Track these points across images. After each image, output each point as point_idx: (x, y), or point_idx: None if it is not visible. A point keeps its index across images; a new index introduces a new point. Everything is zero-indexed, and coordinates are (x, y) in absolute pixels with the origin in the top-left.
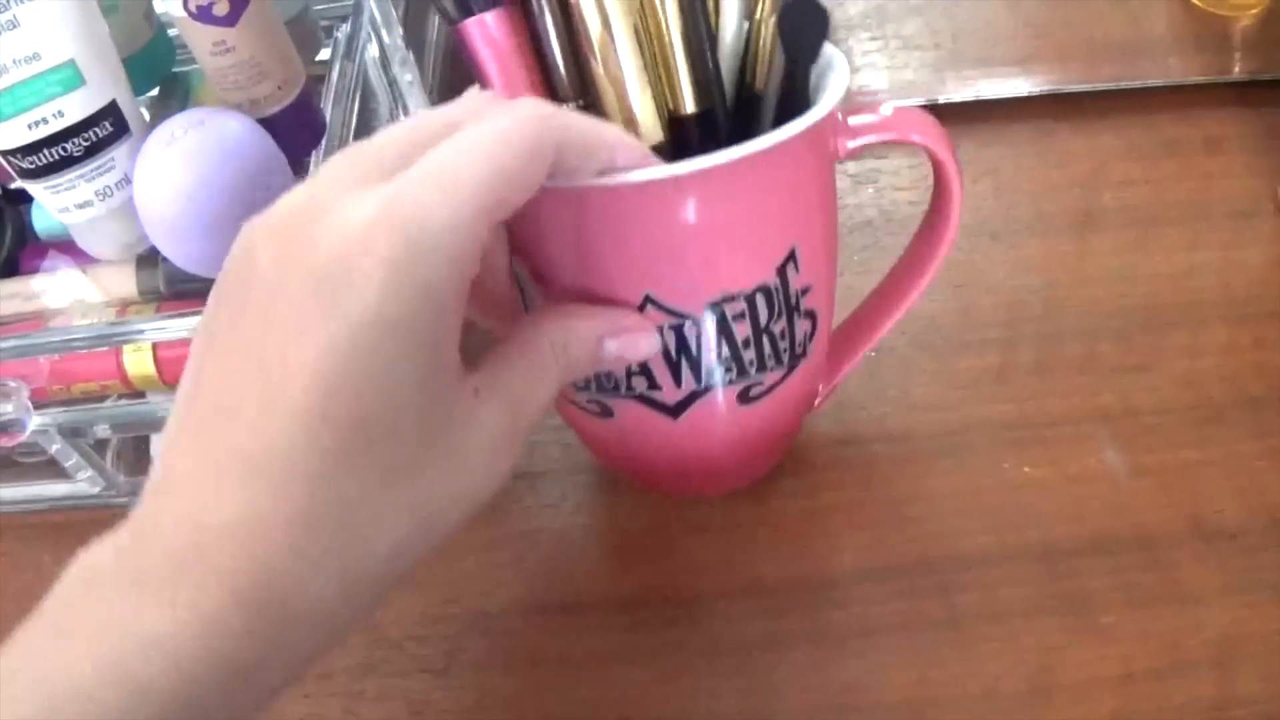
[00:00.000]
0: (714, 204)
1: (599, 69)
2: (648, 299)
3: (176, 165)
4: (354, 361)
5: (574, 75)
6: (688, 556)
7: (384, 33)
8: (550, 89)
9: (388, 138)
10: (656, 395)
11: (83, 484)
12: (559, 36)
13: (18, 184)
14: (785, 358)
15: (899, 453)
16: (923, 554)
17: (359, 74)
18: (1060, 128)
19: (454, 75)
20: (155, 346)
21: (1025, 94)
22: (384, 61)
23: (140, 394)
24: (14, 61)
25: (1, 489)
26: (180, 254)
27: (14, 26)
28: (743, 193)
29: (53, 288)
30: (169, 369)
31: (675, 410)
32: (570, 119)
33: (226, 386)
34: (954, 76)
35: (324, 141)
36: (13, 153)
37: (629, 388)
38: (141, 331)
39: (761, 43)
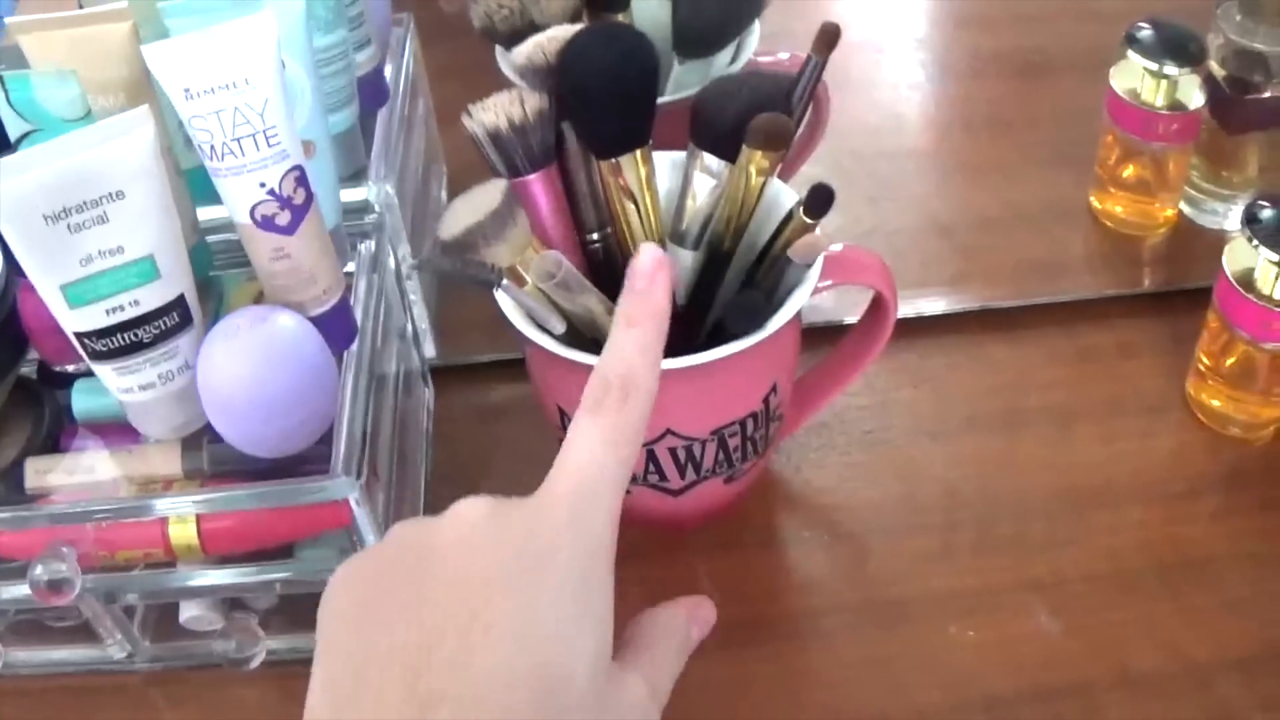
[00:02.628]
0: (717, 372)
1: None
2: (668, 431)
3: (240, 356)
4: (549, 619)
5: (593, 217)
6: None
7: (397, 250)
8: (579, 223)
9: None
10: (664, 485)
11: (111, 649)
12: (587, 191)
13: (66, 368)
14: (760, 449)
15: (856, 622)
16: (882, 709)
17: (382, 284)
18: (989, 339)
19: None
20: (199, 519)
21: (959, 310)
22: (397, 274)
23: (170, 564)
24: (99, 253)
25: (28, 653)
26: (237, 435)
27: (103, 222)
28: (739, 363)
29: (99, 464)
30: (211, 540)
31: (678, 493)
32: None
33: (405, 643)
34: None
35: (357, 341)
36: (89, 335)
37: (644, 480)
38: (188, 504)
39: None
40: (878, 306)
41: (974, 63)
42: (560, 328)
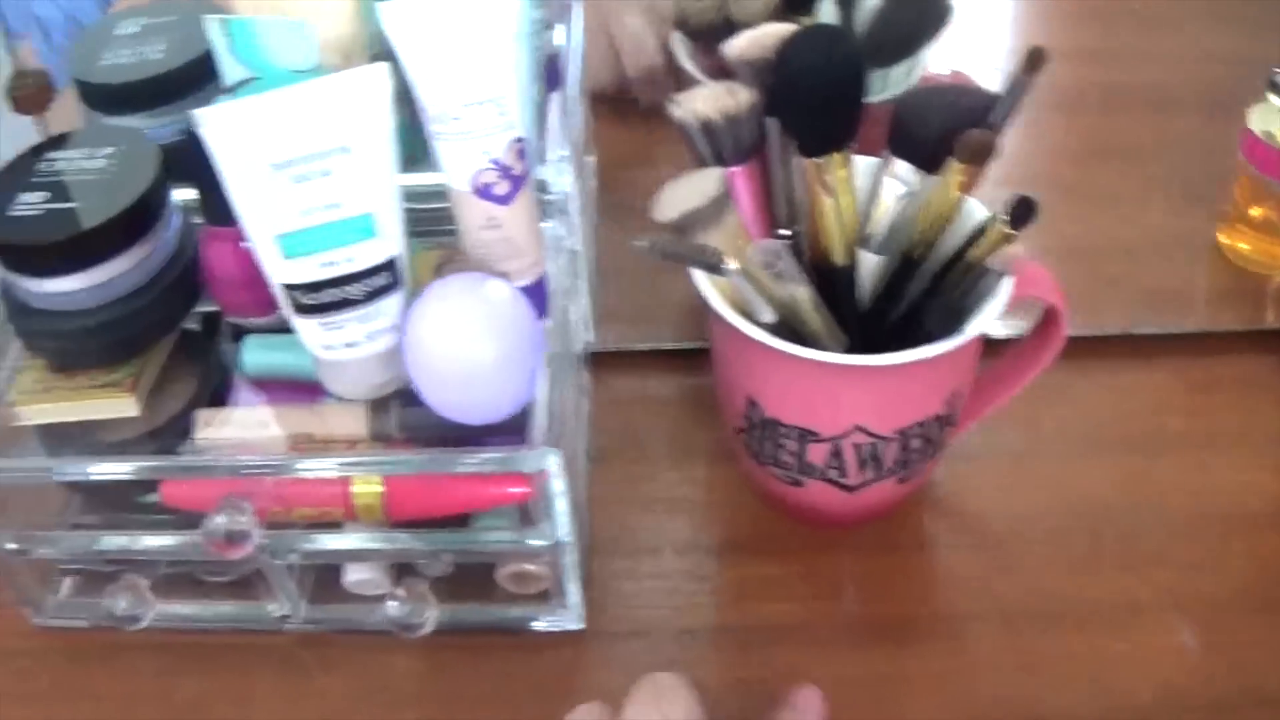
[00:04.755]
0: (913, 373)
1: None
2: (858, 427)
3: (455, 320)
4: None
5: (785, 213)
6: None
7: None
8: (773, 217)
9: None
10: (842, 480)
11: (270, 607)
12: (783, 187)
13: (248, 321)
14: (935, 451)
15: (1006, 627)
16: (1034, 712)
17: (573, 264)
18: (1126, 365)
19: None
20: (386, 481)
21: (1100, 334)
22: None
23: (336, 525)
24: (321, 206)
25: (179, 606)
26: (442, 400)
27: (325, 175)
28: (935, 364)
29: (276, 419)
30: (395, 504)
31: (853, 489)
32: None
33: None
34: None
35: (549, 317)
36: (300, 287)
37: (823, 474)
38: (380, 465)
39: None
40: (1050, 321)
41: (1103, 96)
42: (770, 317)
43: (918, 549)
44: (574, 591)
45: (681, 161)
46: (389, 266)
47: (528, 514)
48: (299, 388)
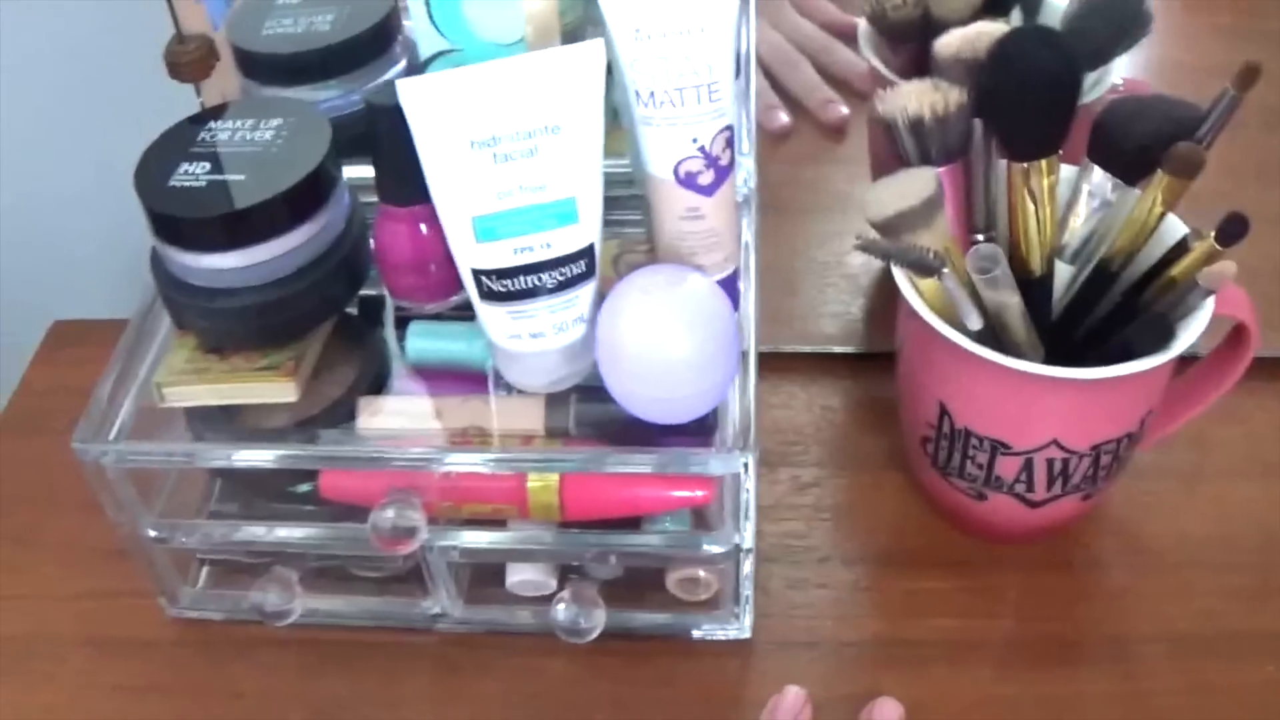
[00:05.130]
0: (1116, 388)
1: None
2: (1054, 442)
3: (655, 315)
4: None
5: (984, 216)
6: None
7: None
8: (970, 220)
9: None
10: (1028, 495)
11: (425, 605)
12: (983, 191)
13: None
14: (1120, 470)
15: (1175, 651)
16: None
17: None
18: None
19: None
20: (562, 480)
21: (1272, 355)
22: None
23: (501, 523)
24: (521, 187)
25: (328, 601)
26: (635, 397)
27: (531, 155)
28: (1136, 381)
29: (445, 410)
30: (572, 503)
31: (1037, 505)
32: None
33: None
34: None
35: (739, 312)
36: (490, 273)
37: (1010, 489)
38: (571, 462)
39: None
40: (1239, 338)
41: (1265, 115)
42: (977, 324)
43: (1087, 568)
44: (746, 600)
45: (823, 158)
46: (586, 254)
47: (703, 518)
48: (461, 378)
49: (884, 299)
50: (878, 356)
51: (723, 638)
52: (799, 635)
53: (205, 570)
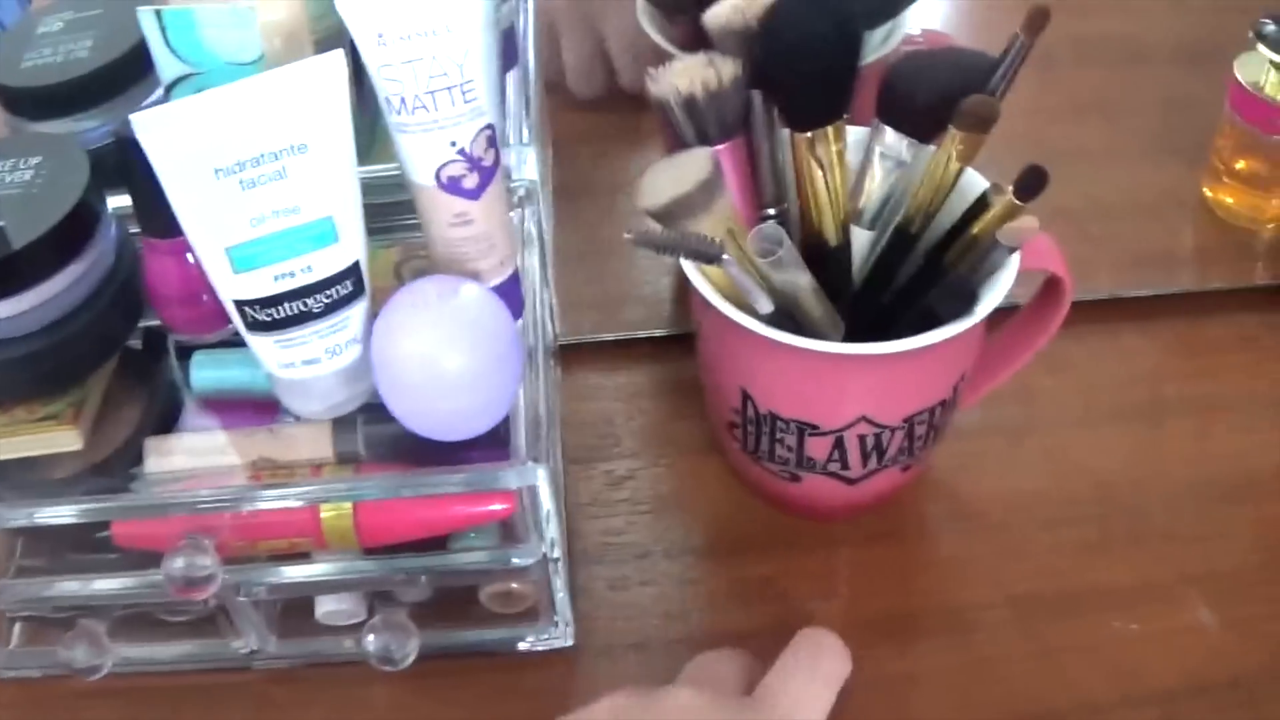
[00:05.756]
0: (920, 359)
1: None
2: (862, 418)
3: (431, 330)
4: None
5: (772, 191)
6: None
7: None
8: (758, 196)
9: None
10: (844, 473)
11: (235, 644)
12: (769, 165)
13: (198, 338)
14: (939, 436)
15: (1018, 615)
16: (1052, 704)
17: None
18: (1121, 328)
19: None
20: (356, 507)
21: (1091, 298)
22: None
23: (304, 555)
24: (274, 212)
25: (140, 649)
26: (418, 417)
27: (280, 177)
28: (942, 349)
29: (233, 445)
30: (368, 530)
31: (855, 481)
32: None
33: None
34: None
35: (523, 316)
36: (252, 303)
37: (823, 469)
38: (351, 491)
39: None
40: (1054, 289)
41: (1076, 49)
42: (768, 307)
43: (918, 537)
44: (564, 608)
45: (628, 135)
46: (352, 273)
47: (510, 529)
48: (255, 406)
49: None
50: (686, 337)
51: (545, 648)
52: (626, 637)
53: (17, 627)
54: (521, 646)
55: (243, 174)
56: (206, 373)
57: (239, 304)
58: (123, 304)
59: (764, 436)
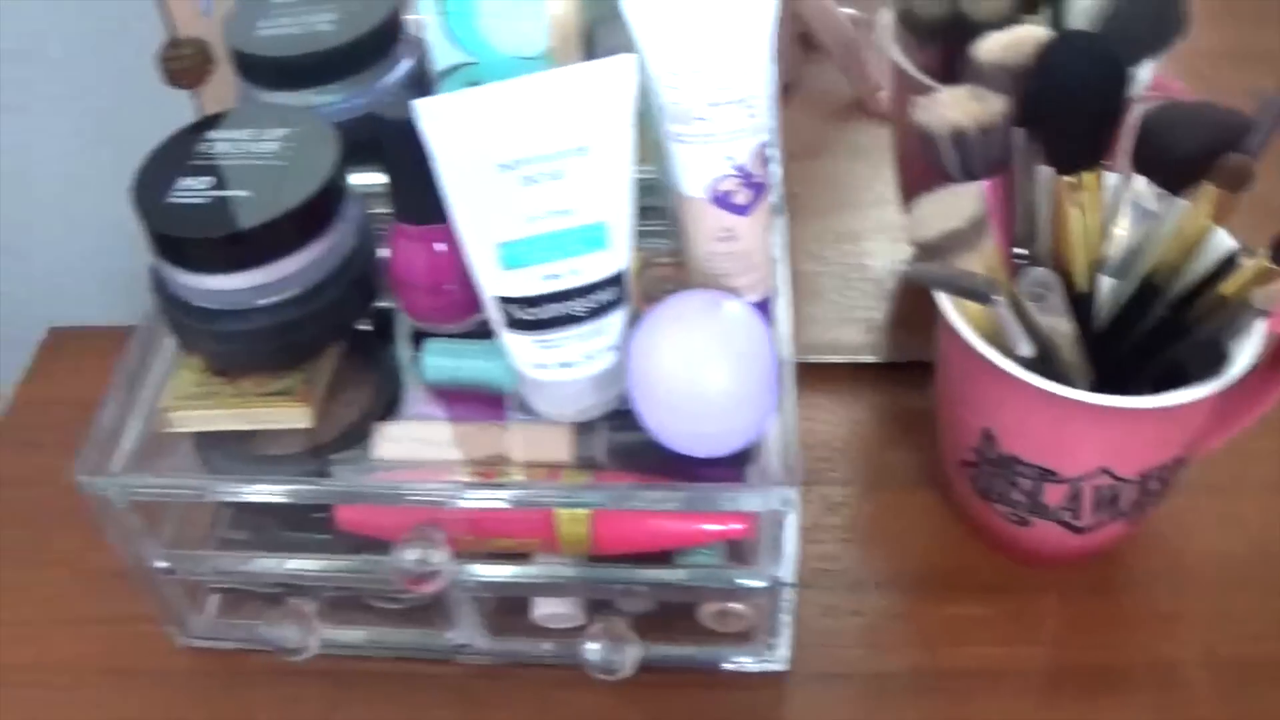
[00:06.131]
0: (1168, 416)
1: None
2: (1103, 469)
3: (694, 344)
4: None
5: (1024, 231)
6: None
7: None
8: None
9: None
10: (1073, 521)
11: (448, 636)
12: (1025, 204)
13: (439, 327)
14: (1167, 493)
15: (1224, 676)
16: None
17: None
18: None
19: None
20: (594, 514)
21: None
22: None
23: (524, 556)
24: (549, 212)
25: (347, 632)
26: (671, 429)
27: (558, 177)
28: (1191, 407)
29: (466, 438)
30: (604, 538)
31: (1082, 530)
32: None
33: None
34: None
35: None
36: (516, 301)
37: (1054, 514)
38: (605, 497)
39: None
40: None
41: None
42: (1028, 350)
43: (1129, 590)
44: (784, 633)
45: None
46: (617, 280)
47: (738, 548)
48: (480, 400)
49: (909, 304)
50: (905, 366)
51: (755, 670)
52: (835, 666)
53: (216, 598)
54: (736, 666)
55: (524, 170)
56: (439, 361)
57: (502, 300)
58: (360, 284)
59: (1000, 478)
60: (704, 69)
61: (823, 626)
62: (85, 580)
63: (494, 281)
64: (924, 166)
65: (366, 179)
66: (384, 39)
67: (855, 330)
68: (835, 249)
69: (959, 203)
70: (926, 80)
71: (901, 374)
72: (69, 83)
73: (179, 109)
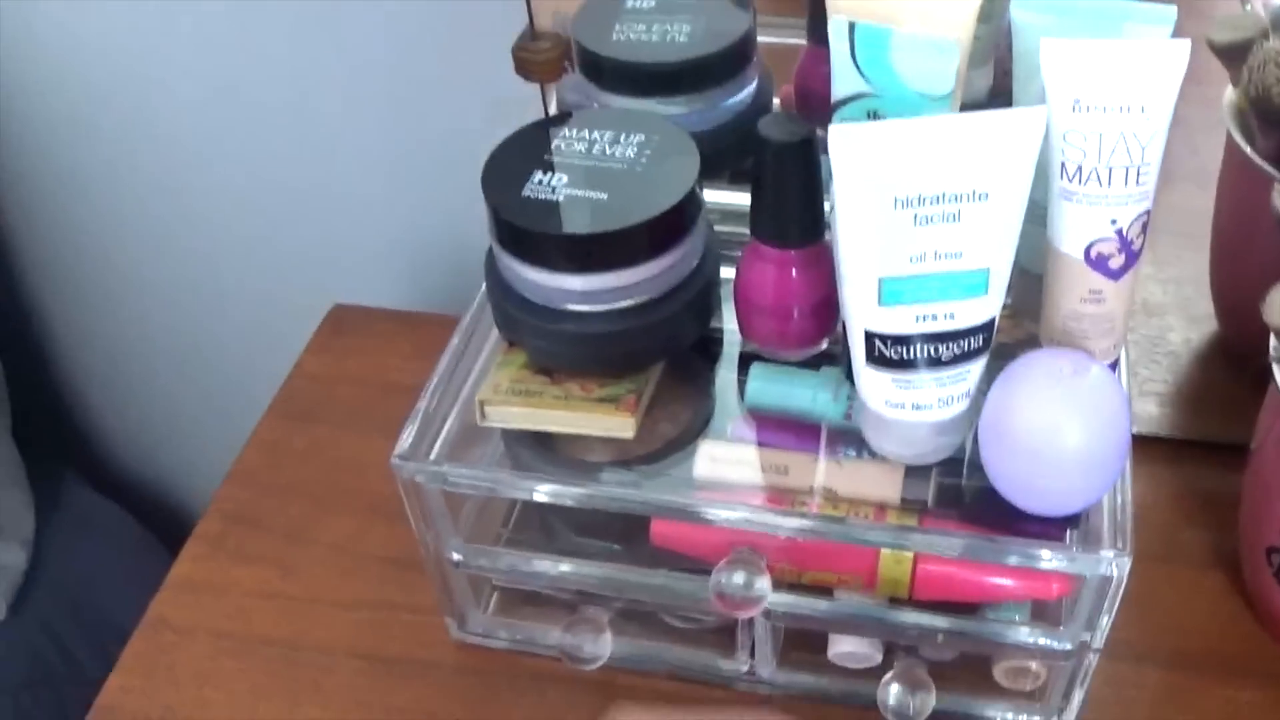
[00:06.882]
0: None
1: None
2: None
3: (1061, 404)
4: None
5: None
6: None
7: None
8: None
9: None
10: None
11: (736, 661)
12: None
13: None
14: None
15: None
16: None
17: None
18: None
19: None
20: (917, 558)
21: None
22: None
23: (827, 591)
24: (936, 254)
25: (635, 645)
26: (1012, 480)
27: (954, 220)
28: None
29: (794, 466)
30: (923, 583)
31: None
32: None
33: None
34: None
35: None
36: (885, 338)
37: None
38: (943, 544)
39: None
40: None
41: None
42: None
43: None
44: (1077, 699)
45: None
46: (988, 328)
47: (1040, 609)
48: (798, 430)
49: (1205, 379)
50: (1196, 445)
51: None
52: None
53: (495, 595)
54: None
55: (920, 209)
56: (765, 385)
57: (871, 335)
58: (701, 302)
59: None
60: (1105, 132)
61: (1103, 696)
62: (358, 564)
63: (868, 315)
64: (1239, 251)
65: (713, 196)
66: (739, 56)
67: (1150, 403)
68: (1139, 319)
69: None
70: (1267, 167)
71: (1190, 453)
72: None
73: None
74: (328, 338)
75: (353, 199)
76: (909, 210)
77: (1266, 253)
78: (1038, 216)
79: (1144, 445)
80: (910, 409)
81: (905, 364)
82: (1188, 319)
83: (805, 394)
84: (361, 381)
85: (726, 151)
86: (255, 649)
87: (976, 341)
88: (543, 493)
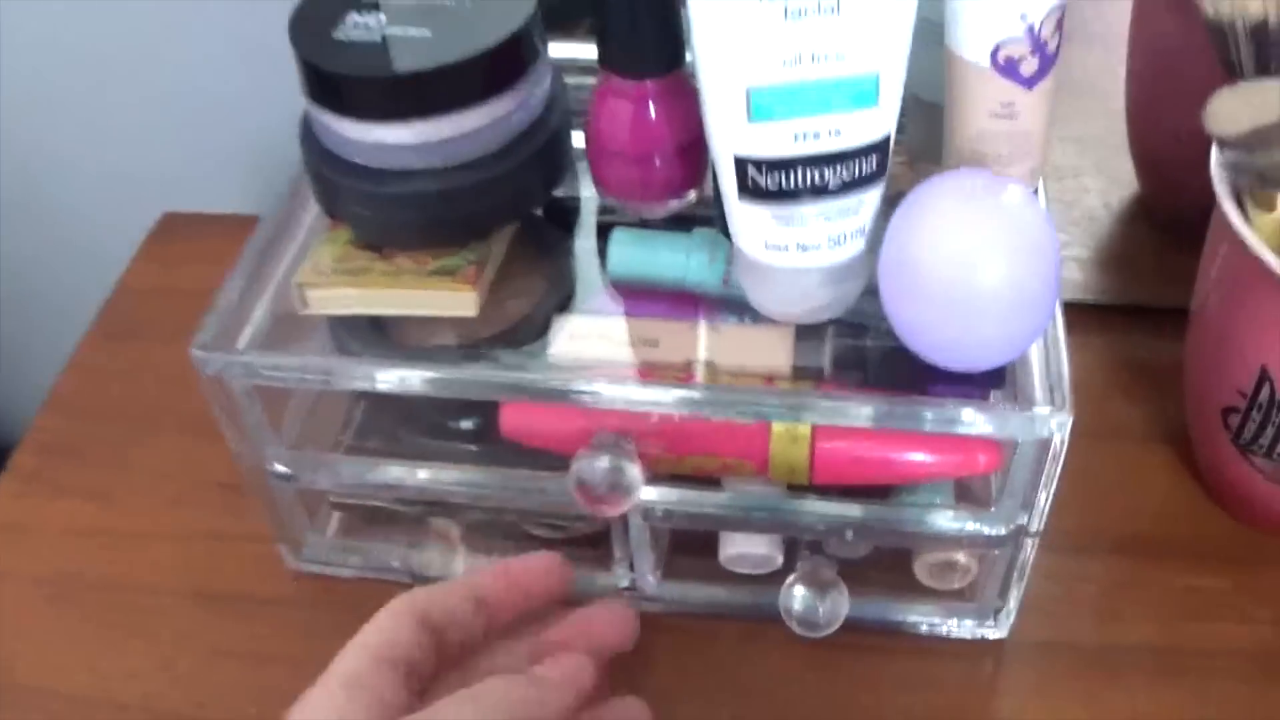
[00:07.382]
0: None
1: None
2: None
3: (970, 228)
4: None
5: None
6: None
7: None
8: None
9: None
10: None
11: (616, 574)
12: None
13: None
14: None
15: None
16: None
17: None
18: None
19: None
20: (815, 433)
21: None
22: None
23: (714, 482)
24: (814, 56)
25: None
26: (924, 330)
27: (833, 12)
28: None
29: (665, 338)
30: (822, 464)
31: None
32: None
33: None
34: None
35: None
36: (758, 163)
37: None
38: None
39: None
40: None
41: None
42: None
43: None
44: (1014, 598)
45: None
46: (881, 148)
47: (968, 491)
48: (672, 300)
49: (1130, 241)
50: (1122, 310)
51: (968, 636)
52: (1057, 634)
53: (336, 517)
54: (947, 630)
55: (790, 1)
56: (630, 252)
57: (742, 161)
58: (545, 159)
59: (1271, 426)
60: None
61: (1045, 591)
62: (186, 491)
63: (735, 136)
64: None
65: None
66: None
67: (1071, 269)
68: (1051, 183)
69: (1263, 98)
70: None
71: (1120, 320)
72: None
73: None
74: (157, 247)
75: (184, 99)
76: (779, 2)
77: (1191, 82)
78: (934, 37)
79: (1069, 312)
80: (795, 250)
81: (785, 194)
82: (1107, 180)
83: (676, 259)
84: (193, 294)
85: None
86: (75, 593)
87: (869, 165)
88: (368, 379)
